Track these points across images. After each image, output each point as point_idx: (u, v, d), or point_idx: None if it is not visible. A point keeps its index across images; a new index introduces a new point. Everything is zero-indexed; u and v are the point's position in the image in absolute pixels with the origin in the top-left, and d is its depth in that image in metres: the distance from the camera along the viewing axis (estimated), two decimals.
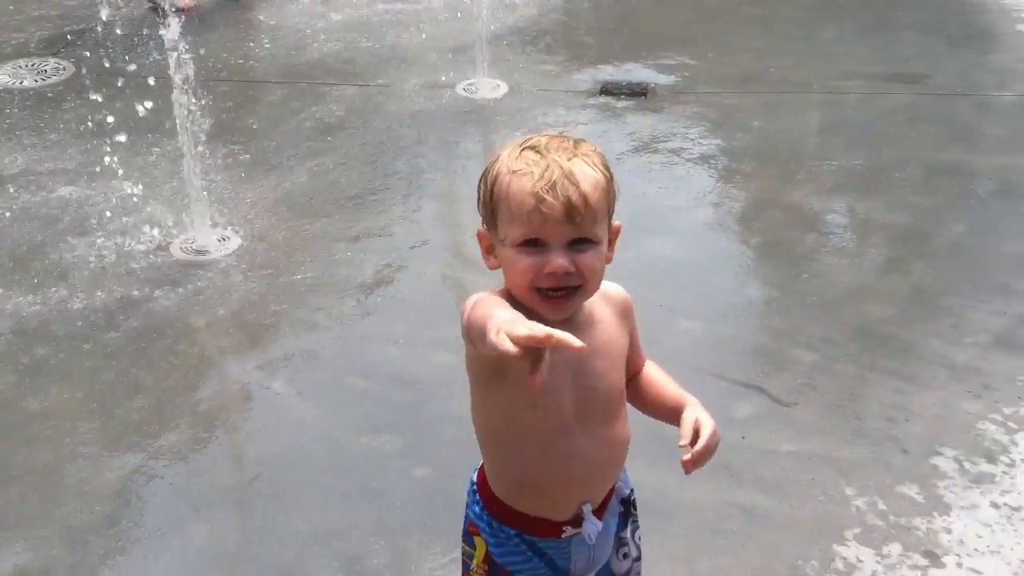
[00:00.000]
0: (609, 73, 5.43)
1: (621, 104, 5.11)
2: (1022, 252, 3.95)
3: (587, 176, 1.59)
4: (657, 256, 3.96)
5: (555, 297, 1.62)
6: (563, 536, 1.77)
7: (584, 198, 1.57)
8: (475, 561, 1.83)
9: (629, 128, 4.90)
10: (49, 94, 5.18)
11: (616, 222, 1.68)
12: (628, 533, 1.91)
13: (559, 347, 1.34)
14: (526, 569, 1.79)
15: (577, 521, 1.76)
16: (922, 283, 3.75)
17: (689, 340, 3.45)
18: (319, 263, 3.89)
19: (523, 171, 1.60)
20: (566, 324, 1.61)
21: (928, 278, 3.79)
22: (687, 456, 1.68)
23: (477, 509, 1.82)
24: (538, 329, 1.34)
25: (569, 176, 1.58)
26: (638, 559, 1.94)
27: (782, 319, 3.57)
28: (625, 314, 1.81)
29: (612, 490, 1.84)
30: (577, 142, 1.65)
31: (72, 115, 4.96)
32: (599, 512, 1.79)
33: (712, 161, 4.64)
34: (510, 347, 1.34)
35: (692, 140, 4.81)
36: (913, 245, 3.99)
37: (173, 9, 4.30)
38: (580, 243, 1.59)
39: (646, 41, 5.81)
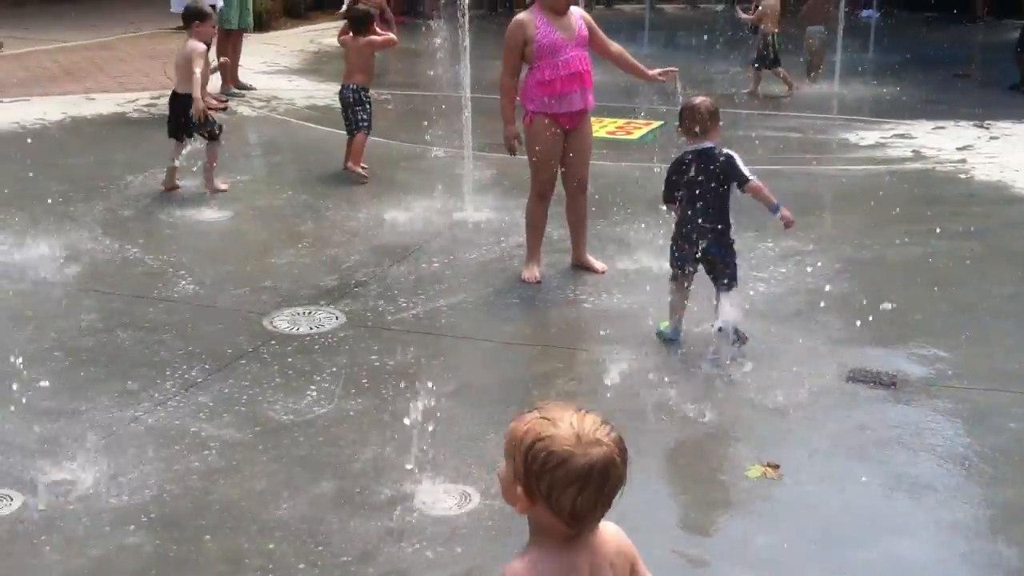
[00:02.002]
0: (857, 359, 5.38)
1: (869, 393, 5.04)
2: None
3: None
4: (901, 559, 3.82)
5: None
6: None
7: None
8: None
9: (876, 420, 4.80)
10: (320, 342, 5.61)
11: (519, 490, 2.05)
12: None
13: None
14: None
15: None
16: None
17: None
18: None
19: None
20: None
21: None
22: None
23: None
24: None
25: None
26: None
27: None
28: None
29: None
30: (534, 428, 2.05)
31: (340, 362, 5.34)
32: None
33: (964, 462, 4.46)
34: None
35: (943, 438, 4.66)
36: None
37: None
38: None
39: (897, 329, 5.75)
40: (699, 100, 5.52)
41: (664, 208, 5.82)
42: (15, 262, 6.73)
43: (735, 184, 5.45)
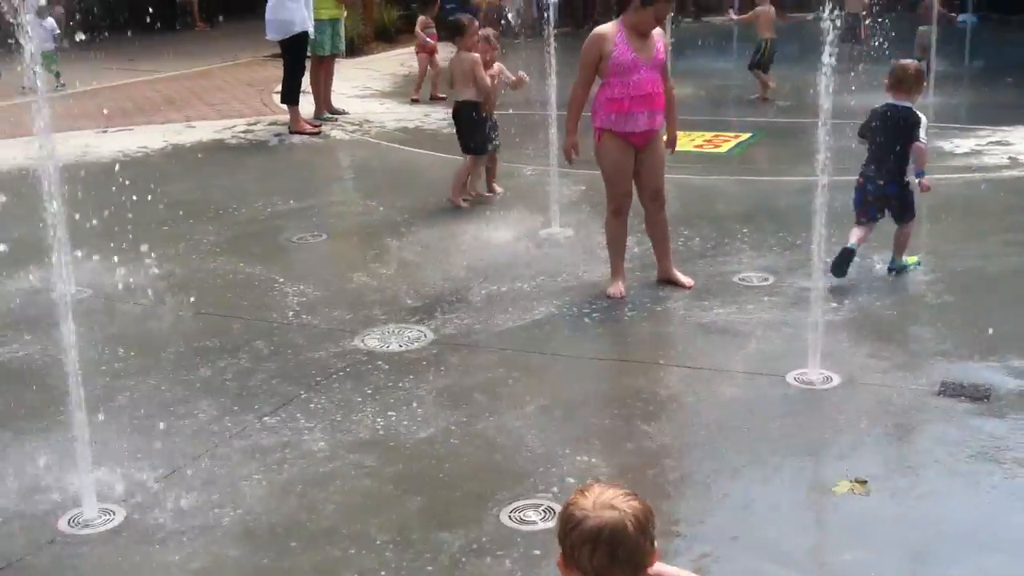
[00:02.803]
0: (948, 372, 5.29)
1: (961, 406, 4.95)
2: None
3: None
4: None
5: None
6: None
7: None
8: None
9: (969, 433, 4.72)
10: (409, 358, 5.72)
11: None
12: None
13: None
14: None
15: None
16: None
17: None
18: None
19: None
20: None
21: None
22: None
23: None
24: None
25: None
26: None
27: None
28: None
29: None
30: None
31: (429, 379, 5.45)
32: None
33: None
34: None
35: None
36: None
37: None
38: None
39: (990, 341, 5.62)
40: (909, 62, 6.62)
41: (858, 140, 6.73)
42: (117, 284, 6.99)
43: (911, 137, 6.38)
